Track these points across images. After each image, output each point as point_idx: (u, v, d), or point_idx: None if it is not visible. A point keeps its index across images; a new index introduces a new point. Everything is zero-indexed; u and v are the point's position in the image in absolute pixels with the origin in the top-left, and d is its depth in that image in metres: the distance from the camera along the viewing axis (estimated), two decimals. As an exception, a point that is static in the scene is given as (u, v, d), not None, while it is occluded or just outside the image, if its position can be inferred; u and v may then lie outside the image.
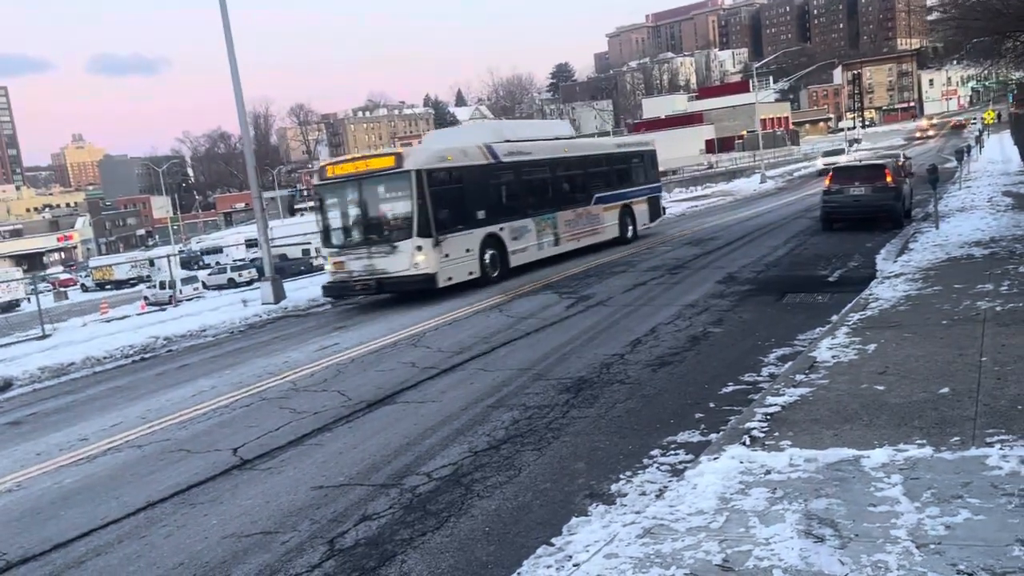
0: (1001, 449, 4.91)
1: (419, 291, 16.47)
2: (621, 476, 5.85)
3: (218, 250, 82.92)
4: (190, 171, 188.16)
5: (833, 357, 8.01)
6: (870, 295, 11.31)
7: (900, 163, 59.56)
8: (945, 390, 6.38)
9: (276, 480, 6.82)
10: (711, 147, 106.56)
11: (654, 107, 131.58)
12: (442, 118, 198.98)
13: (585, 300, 14.40)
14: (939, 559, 3.68)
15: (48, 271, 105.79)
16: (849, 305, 10.92)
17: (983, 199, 23.11)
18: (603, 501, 5.39)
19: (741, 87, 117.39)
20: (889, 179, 19.83)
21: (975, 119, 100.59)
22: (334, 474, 6.76)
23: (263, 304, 18.33)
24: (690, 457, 6.00)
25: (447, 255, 16.41)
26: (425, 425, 7.89)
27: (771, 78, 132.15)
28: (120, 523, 6.28)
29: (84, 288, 78.41)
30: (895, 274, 12.82)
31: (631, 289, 15.06)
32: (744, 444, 5.73)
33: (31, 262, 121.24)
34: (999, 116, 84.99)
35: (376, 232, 16.62)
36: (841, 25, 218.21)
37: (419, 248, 15.97)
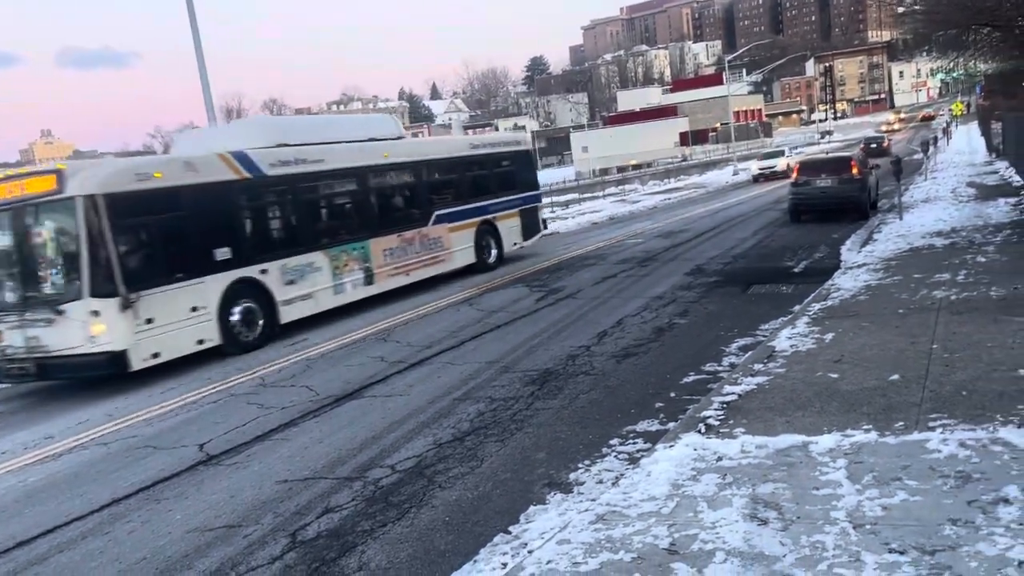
0: (942, 433, 5.08)
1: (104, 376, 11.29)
2: (580, 465, 5.98)
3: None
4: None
5: (792, 347, 8.19)
6: (832, 285, 11.54)
7: (885, 144, 58.65)
8: (895, 377, 6.57)
9: (241, 475, 6.87)
10: (685, 139, 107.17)
11: (629, 100, 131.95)
12: (417, 111, 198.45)
13: (555, 293, 14.52)
14: (874, 538, 3.83)
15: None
16: (812, 295, 11.14)
17: (947, 190, 23.54)
18: (561, 490, 5.51)
19: (715, 80, 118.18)
20: (855, 171, 20.13)
21: (943, 111, 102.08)
22: (299, 468, 6.82)
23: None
24: (648, 446, 6.14)
25: (150, 320, 11.17)
26: (391, 419, 7.97)
27: (744, 70, 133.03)
28: (84, 520, 6.30)
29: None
30: (858, 264, 13.07)
31: (600, 282, 15.21)
32: (700, 432, 5.88)
33: None
34: (968, 107, 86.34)
35: (34, 289, 11.30)
36: (813, 17, 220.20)
37: (95, 313, 10.74)
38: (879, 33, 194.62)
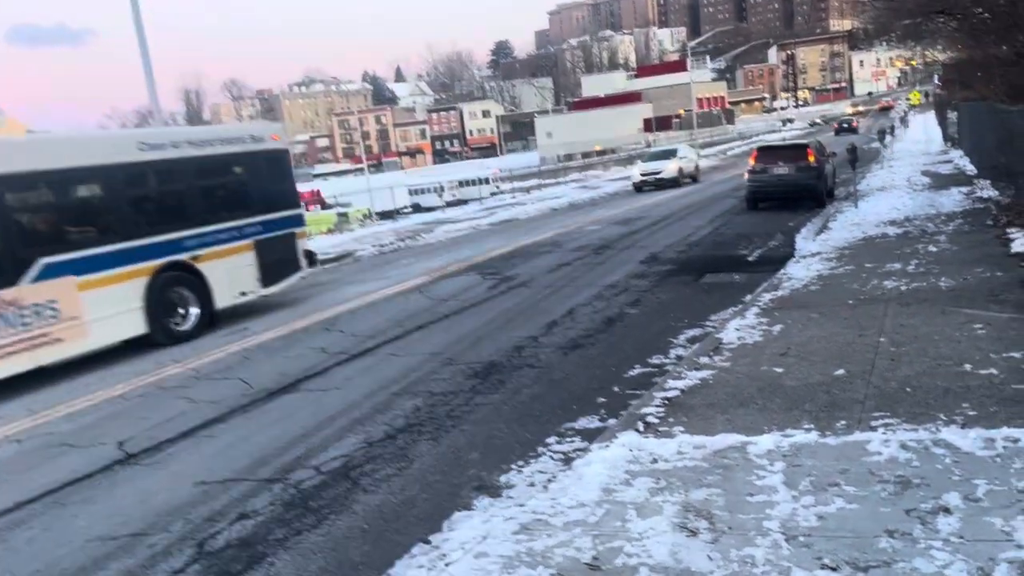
0: (884, 433, 4.88)
1: None
2: (513, 466, 5.69)
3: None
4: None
5: (739, 339, 7.98)
6: (784, 275, 11.38)
7: (854, 124, 60.64)
8: (840, 372, 6.38)
9: (158, 476, 6.48)
10: (649, 126, 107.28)
11: (594, 85, 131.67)
12: (380, 94, 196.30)
13: (508, 281, 14.22)
14: (806, 552, 3.60)
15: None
16: (763, 285, 10.96)
17: (903, 179, 23.63)
18: (490, 494, 5.22)
19: (679, 66, 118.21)
20: (811, 159, 20.08)
21: (900, 100, 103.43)
22: (220, 468, 6.45)
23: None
24: (585, 444, 5.87)
25: None
26: (324, 414, 7.61)
27: (708, 57, 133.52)
28: (-18, 526, 5.87)
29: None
30: (812, 253, 12.95)
31: (555, 269, 14.93)
32: (638, 431, 5.62)
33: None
34: (925, 96, 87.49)
35: None
36: (776, 5, 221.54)
37: None
38: (840, 22, 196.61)
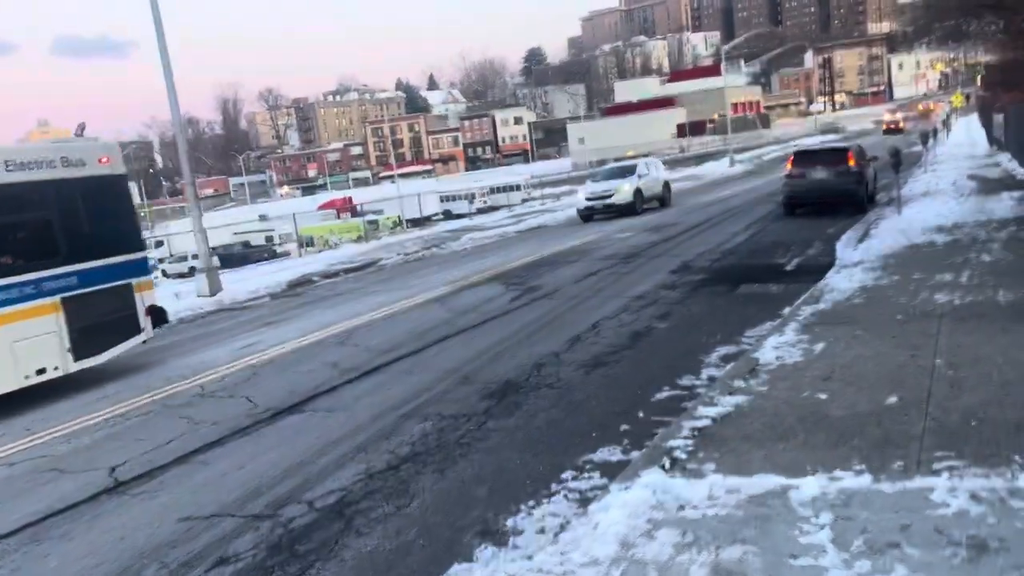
0: (949, 479, 4.20)
1: None
2: (523, 507, 5.09)
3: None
4: (158, 156, 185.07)
5: (777, 359, 7.31)
6: (825, 286, 10.65)
7: (901, 125, 61.66)
8: (893, 400, 5.69)
9: (144, 508, 5.99)
10: (683, 131, 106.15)
11: (626, 91, 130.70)
12: (414, 102, 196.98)
13: (532, 292, 13.64)
14: (864, 639, 2.96)
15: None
16: (802, 297, 10.25)
17: (948, 183, 22.63)
18: (494, 542, 4.63)
19: (713, 71, 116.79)
20: (852, 163, 19.22)
21: (944, 102, 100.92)
22: (209, 501, 5.94)
23: (198, 297, 17.37)
24: (604, 482, 5.26)
25: None
26: (327, 439, 7.09)
27: (742, 61, 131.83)
28: (-50, 565, 5.42)
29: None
30: (853, 263, 12.18)
31: (581, 280, 14.32)
32: (663, 468, 5.00)
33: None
34: (967, 99, 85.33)
35: None
36: (812, 9, 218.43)
37: None
38: (879, 25, 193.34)
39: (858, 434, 5.10)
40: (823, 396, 6.00)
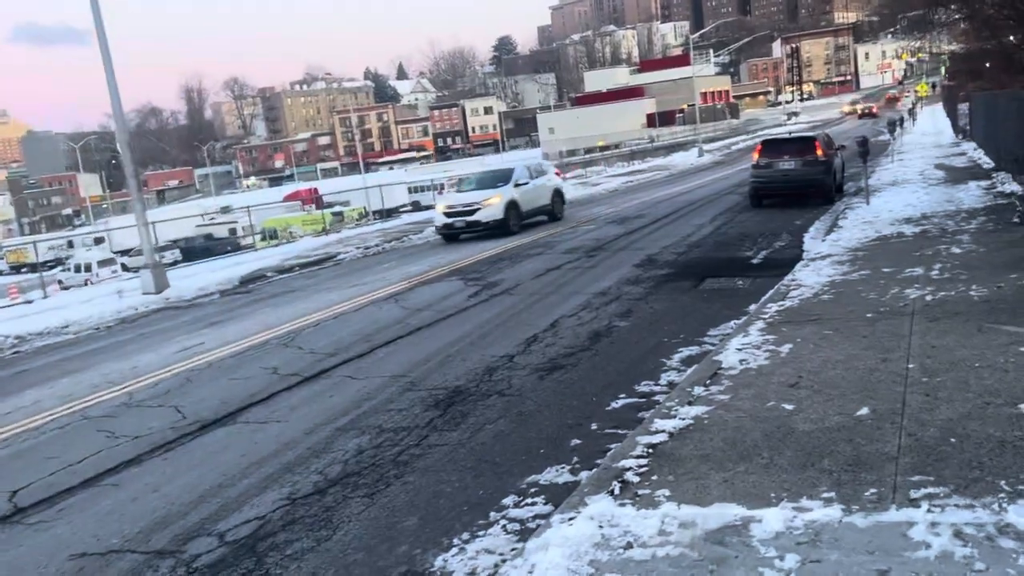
0: (929, 512, 3.71)
1: None
2: (455, 541, 4.53)
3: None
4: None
5: (741, 362, 6.82)
6: (792, 281, 10.22)
7: (874, 110, 65.93)
8: (864, 411, 5.21)
9: (36, 542, 5.34)
10: (652, 121, 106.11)
11: (596, 80, 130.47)
12: (382, 92, 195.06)
13: (491, 288, 13.07)
14: None
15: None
16: (768, 293, 9.80)
17: (916, 172, 22.43)
18: (418, 585, 4.07)
19: (682, 60, 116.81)
20: (819, 152, 18.87)
21: (908, 92, 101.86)
22: (111, 533, 5.31)
23: (143, 294, 16.56)
24: (548, 509, 4.73)
25: None
26: (255, 456, 6.47)
27: (711, 51, 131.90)
28: None
29: (-2, 272, 74.33)
30: (821, 255, 11.79)
31: (543, 274, 13.77)
32: (612, 494, 4.47)
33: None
34: (933, 88, 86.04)
35: None
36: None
37: None
38: (845, 15, 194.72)
39: (827, 454, 4.60)
40: (789, 407, 5.51)
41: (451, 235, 20.41)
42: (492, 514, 4.82)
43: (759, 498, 4.14)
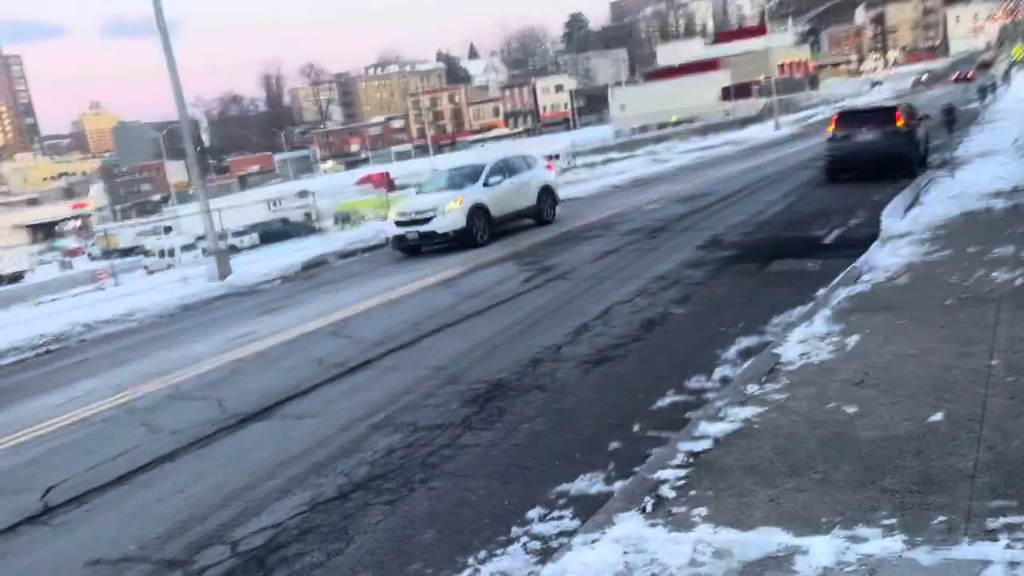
0: (1008, 547, 3.15)
1: None
2: (470, 561, 4.17)
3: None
4: (204, 135, 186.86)
5: (802, 356, 6.24)
6: (866, 263, 9.47)
7: (970, 75, 63.63)
8: (937, 417, 4.61)
9: (57, 545, 5.23)
10: (727, 94, 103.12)
11: (669, 54, 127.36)
12: (454, 73, 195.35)
13: (546, 272, 12.65)
14: None
15: (61, 239, 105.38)
16: (839, 277, 9.09)
17: (1007, 142, 20.87)
18: (424, 612, 3.73)
19: (759, 31, 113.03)
20: (901, 123, 17.71)
21: (1001, 56, 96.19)
22: (129, 538, 5.15)
23: (208, 281, 16.74)
24: (574, 525, 4.32)
25: None
26: (285, 454, 6.26)
27: (790, 20, 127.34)
28: None
29: (91, 257, 77.59)
30: (900, 234, 10.92)
31: (600, 258, 13.27)
32: (644, 511, 4.03)
33: (46, 231, 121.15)
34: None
35: None
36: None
37: None
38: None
39: (891, 469, 4.05)
40: (851, 410, 4.94)
41: (409, 248, 16.91)
42: (514, 529, 4.44)
43: (808, 522, 3.64)
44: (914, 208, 13.10)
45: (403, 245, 17.00)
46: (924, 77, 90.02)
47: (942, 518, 3.49)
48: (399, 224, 16.96)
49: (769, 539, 3.52)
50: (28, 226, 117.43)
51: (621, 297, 10.14)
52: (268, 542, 4.77)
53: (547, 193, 18.97)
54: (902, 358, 5.80)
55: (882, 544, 3.33)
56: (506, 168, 18.07)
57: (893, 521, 3.53)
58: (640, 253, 13.24)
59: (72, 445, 7.40)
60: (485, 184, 17.20)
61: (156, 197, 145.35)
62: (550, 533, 4.32)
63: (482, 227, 16.72)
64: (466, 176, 17.81)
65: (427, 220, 16.46)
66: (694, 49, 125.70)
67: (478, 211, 16.69)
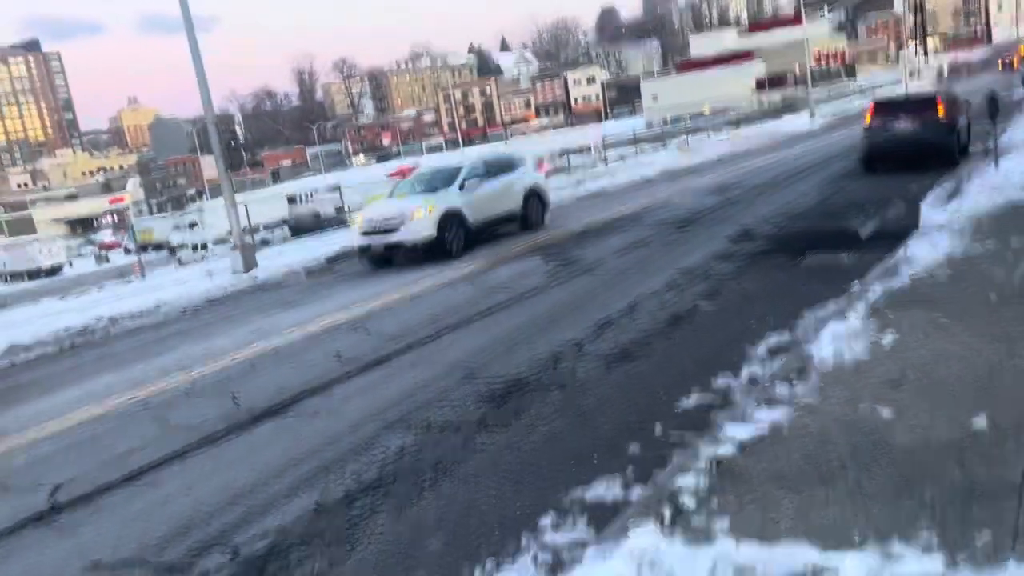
0: (1063, 572, 2.85)
1: None
2: (476, 573, 3.94)
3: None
4: (238, 129, 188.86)
5: (835, 355, 5.91)
6: (904, 256, 9.06)
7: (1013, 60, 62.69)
8: (981, 422, 4.29)
9: (60, 546, 5.11)
10: (762, 85, 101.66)
11: (702, 44, 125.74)
12: (485, 66, 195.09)
13: (571, 265, 12.39)
14: None
15: (98, 234, 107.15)
16: (875, 270, 8.72)
17: (1054, 130, 20.14)
18: (423, 629, 3.51)
19: (794, 20, 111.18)
20: (941, 112, 17.09)
21: None
22: (130, 540, 5.00)
23: (233, 274, 16.72)
24: (588, 536, 4.07)
25: None
26: (295, 453, 6.09)
27: (825, 8, 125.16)
28: None
29: (127, 251, 78.70)
30: (939, 226, 10.47)
31: (627, 250, 12.97)
32: (662, 522, 3.77)
33: (84, 225, 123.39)
34: (1076, 38, 78.77)
35: None
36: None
37: None
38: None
39: (930, 479, 3.75)
40: (888, 413, 4.63)
41: (375, 260, 15.34)
42: (524, 538, 4.20)
43: (838, 537, 3.36)
44: (954, 199, 12.60)
45: (369, 256, 15.37)
46: (947, 68, 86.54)
47: (987, 533, 3.18)
48: (364, 234, 15.28)
49: (795, 556, 3.24)
50: (67, 221, 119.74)
51: (647, 291, 9.85)
52: (269, 547, 4.59)
53: (534, 196, 17.15)
54: (943, 357, 5.46)
55: (919, 564, 3.04)
56: (486, 170, 16.32)
57: (932, 537, 3.23)
58: (668, 246, 12.92)
59: (87, 442, 7.31)
60: (461, 188, 15.52)
61: (191, 191, 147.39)
62: (562, 543, 4.07)
63: (457, 236, 14.99)
64: (443, 179, 16.02)
65: (392, 229, 14.77)
66: (727, 39, 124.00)
67: (452, 218, 14.93)
